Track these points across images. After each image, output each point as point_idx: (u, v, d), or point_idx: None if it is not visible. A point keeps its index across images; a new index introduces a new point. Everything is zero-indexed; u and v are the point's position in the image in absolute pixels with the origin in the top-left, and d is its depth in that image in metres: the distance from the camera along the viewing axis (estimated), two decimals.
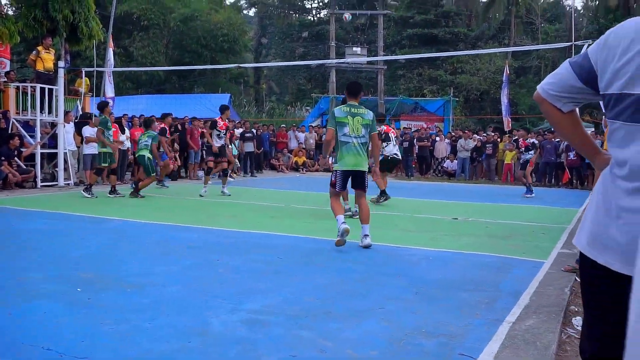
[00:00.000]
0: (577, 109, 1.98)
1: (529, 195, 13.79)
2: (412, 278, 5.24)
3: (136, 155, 12.54)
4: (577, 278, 5.24)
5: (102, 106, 12.27)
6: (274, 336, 3.61)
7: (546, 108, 1.93)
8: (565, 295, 4.74)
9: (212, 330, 3.71)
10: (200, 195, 12.04)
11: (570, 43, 11.73)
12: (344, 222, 6.27)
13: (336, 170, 6.58)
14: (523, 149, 15.28)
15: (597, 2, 37.09)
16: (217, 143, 12.23)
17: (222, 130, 12.28)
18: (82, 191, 11.62)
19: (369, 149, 6.92)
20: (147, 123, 13.19)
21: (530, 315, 4.18)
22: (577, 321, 4.19)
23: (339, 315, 4.08)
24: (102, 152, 11.79)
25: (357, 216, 9.09)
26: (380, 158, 10.54)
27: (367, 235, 6.45)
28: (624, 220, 1.70)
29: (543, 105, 1.94)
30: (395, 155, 12.20)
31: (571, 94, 1.87)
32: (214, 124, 12.65)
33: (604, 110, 1.89)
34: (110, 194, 11.81)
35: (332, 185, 6.64)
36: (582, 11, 41.10)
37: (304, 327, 3.80)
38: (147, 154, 12.10)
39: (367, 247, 6.43)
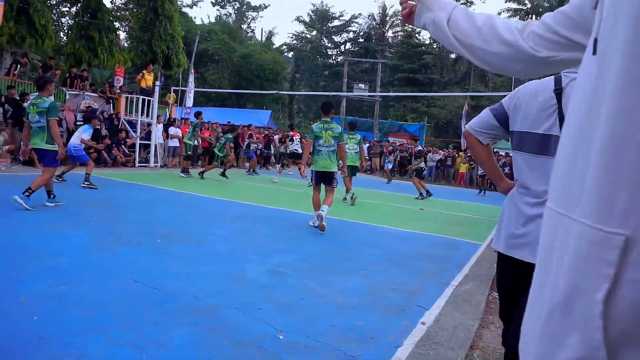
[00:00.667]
0: (491, 145, 1.99)
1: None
2: (387, 249, 5.22)
3: (216, 150, 12.28)
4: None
5: (198, 114, 12.69)
6: (288, 283, 3.61)
7: (471, 140, 1.93)
8: (494, 268, 4.68)
9: (246, 276, 3.71)
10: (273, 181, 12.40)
11: (512, 92, 11.55)
12: (318, 212, 5.78)
13: (312, 171, 6.21)
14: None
15: None
16: (291, 147, 12.99)
17: (295, 138, 12.83)
18: (180, 173, 11.85)
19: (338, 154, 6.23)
20: (232, 129, 13.05)
21: (469, 281, 4.15)
22: None
23: (334, 271, 4.08)
24: (187, 144, 12.04)
25: (352, 203, 9.08)
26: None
27: (323, 212, 5.74)
28: (530, 225, 1.72)
29: (469, 138, 1.94)
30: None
31: (489, 130, 1.89)
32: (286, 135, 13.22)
33: (511, 144, 1.89)
34: (182, 173, 11.80)
35: (311, 180, 6.33)
36: None
37: (309, 278, 3.80)
38: (217, 150, 11.98)
39: (319, 218, 5.70)
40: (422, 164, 12.08)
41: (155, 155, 14.10)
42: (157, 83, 14.62)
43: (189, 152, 12.58)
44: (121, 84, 16.38)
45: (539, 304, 0.53)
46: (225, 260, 4.14)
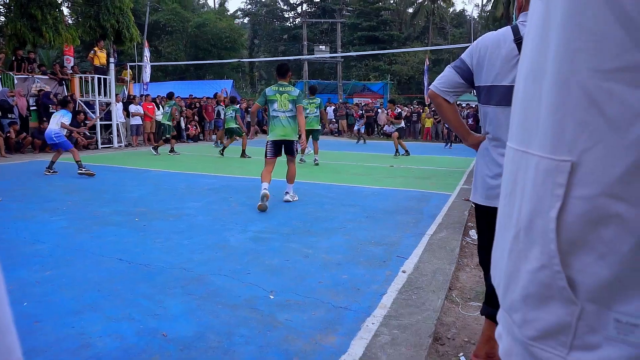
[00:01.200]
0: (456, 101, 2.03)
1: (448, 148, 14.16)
2: (363, 207, 5.37)
3: (226, 126, 11.42)
4: (472, 204, 5.44)
5: (171, 95, 11.92)
6: (273, 248, 3.72)
7: (438, 101, 1.93)
8: (465, 217, 4.93)
9: (230, 245, 3.79)
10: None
11: (469, 44, 11.72)
12: (265, 189, 5.05)
13: (267, 141, 5.47)
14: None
15: (488, 13, 36.85)
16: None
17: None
18: (151, 149, 11.66)
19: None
20: (232, 100, 12.31)
21: (442, 229, 4.36)
22: (472, 233, 4.39)
23: (316, 232, 4.20)
24: (166, 125, 11.45)
25: (316, 162, 9.25)
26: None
27: (288, 193, 5.55)
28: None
29: (436, 99, 1.93)
30: None
31: (455, 88, 1.90)
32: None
33: (477, 98, 1.93)
34: (170, 152, 11.40)
35: (265, 155, 5.51)
36: (477, 19, 40.74)
37: (292, 241, 3.92)
38: (233, 124, 11.08)
39: (287, 201, 5.46)
40: (402, 124, 12.43)
41: (119, 135, 13.70)
42: (111, 60, 14.01)
43: (167, 135, 11.51)
44: (72, 63, 15.59)
45: (507, 230, 0.62)
46: (206, 231, 4.19)
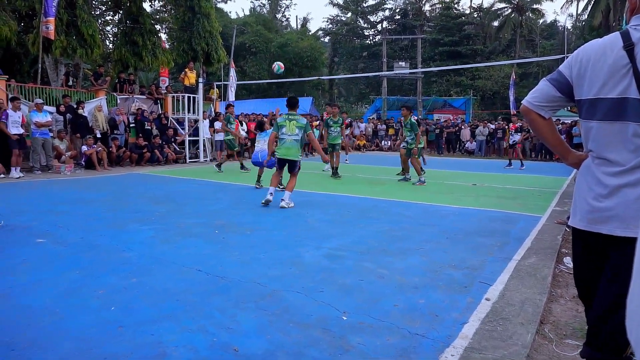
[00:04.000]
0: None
1: (520, 168, 13.04)
2: (443, 227, 5.11)
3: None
4: (567, 228, 4.96)
5: (227, 106, 11.93)
6: (347, 266, 3.63)
7: (532, 117, 1.76)
8: (558, 241, 4.50)
9: (304, 261, 3.77)
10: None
11: (563, 55, 10.92)
12: (270, 194, 6.28)
13: (275, 157, 6.59)
14: (512, 131, 13.74)
15: (584, 23, 34.30)
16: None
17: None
18: (214, 166, 11.81)
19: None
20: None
21: (532, 255, 4.00)
22: (567, 260, 3.97)
23: (391, 252, 4.05)
24: (227, 140, 11.66)
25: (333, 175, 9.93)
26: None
27: (283, 200, 6.19)
28: (615, 196, 1.59)
29: (530, 115, 1.76)
30: None
31: (551, 102, 1.73)
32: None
33: (578, 113, 1.72)
34: (217, 166, 11.26)
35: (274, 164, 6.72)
36: (571, 30, 38.02)
37: (367, 260, 3.80)
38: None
39: (282, 207, 6.09)
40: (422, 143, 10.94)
41: (205, 150, 14.51)
42: (200, 80, 14.97)
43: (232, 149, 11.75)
44: (167, 84, 16.91)
45: None
46: (281, 246, 4.21)
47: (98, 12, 20.74)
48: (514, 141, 13.68)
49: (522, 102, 1.82)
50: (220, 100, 18.55)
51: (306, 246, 4.22)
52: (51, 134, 10.59)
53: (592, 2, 32.10)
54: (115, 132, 12.43)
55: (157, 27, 19.81)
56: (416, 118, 15.14)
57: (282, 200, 6.18)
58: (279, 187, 7.97)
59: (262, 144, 8.23)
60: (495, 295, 3.01)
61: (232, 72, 17.18)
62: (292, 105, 6.61)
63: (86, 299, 2.88)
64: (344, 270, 3.52)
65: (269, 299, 2.90)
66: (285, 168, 6.55)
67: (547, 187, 8.83)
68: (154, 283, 3.18)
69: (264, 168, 8.25)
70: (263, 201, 6.23)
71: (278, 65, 12.84)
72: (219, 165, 11.28)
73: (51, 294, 2.95)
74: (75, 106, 11.64)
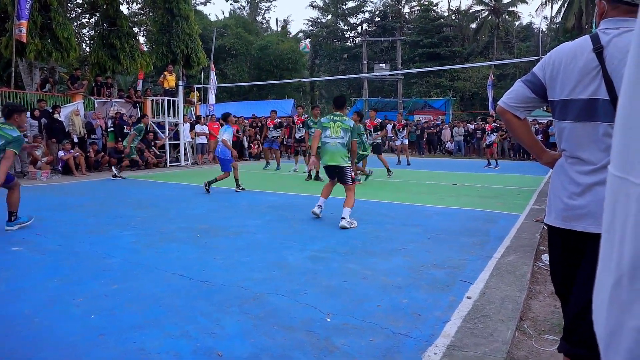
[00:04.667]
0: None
1: (494, 167, 13.23)
2: (425, 227, 5.18)
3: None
4: (544, 226, 5.08)
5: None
6: (331, 268, 3.65)
7: (508, 117, 1.81)
8: (536, 239, 4.60)
9: (288, 263, 3.77)
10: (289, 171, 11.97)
11: (539, 57, 11.18)
12: (319, 206, 5.61)
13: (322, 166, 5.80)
14: (488, 131, 13.93)
15: (558, 25, 35.17)
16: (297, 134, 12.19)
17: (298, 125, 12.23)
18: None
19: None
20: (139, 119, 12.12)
21: (511, 253, 4.09)
22: (545, 257, 4.07)
23: (375, 253, 4.09)
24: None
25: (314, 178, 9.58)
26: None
27: (344, 218, 5.17)
28: (588, 194, 1.64)
29: (505, 115, 1.81)
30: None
31: (526, 103, 1.78)
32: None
33: (552, 114, 1.78)
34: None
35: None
36: (546, 32, 38.88)
37: (351, 261, 3.83)
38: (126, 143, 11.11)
39: (343, 227, 5.09)
40: (379, 139, 11.14)
41: (185, 154, 14.38)
42: (180, 83, 14.84)
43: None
44: (140, 86, 16.68)
45: (607, 274, 0.52)
46: (265, 249, 4.21)
47: (74, 15, 20.37)
48: (490, 141, 13.91)
49: (498, 102, 1.87)
50: (201, 103, 18.39)
51: (290, 248, 4.22)
52: (26, 140, 10.35)
53: (566, 5, 32.96)
54: (92, 136, 12.22)
55: (135, 29, 19.56)
56: (388, 121, 15.11)
57: (343, 218, 5.15)
58: (239, 188, 8.08)
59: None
60: (477, 293, 3.07)
61: (213, 75, 17.07)
62: (339, 105, 5.84)
63: (67, 307, 2.83)
64: (328, 271, 3.54)
65: (253, 303, 2.90)
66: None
67: (525, 186, 9.01)
68: (137, 289, 3.15)
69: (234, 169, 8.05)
70: (314, 214, 5.59)
71: (305, 44, 13.19)
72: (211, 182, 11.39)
73: (30, 303, 2.89)
74: (50, 110, 11.40)
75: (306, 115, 13.55)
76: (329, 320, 2.65)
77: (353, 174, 5.74)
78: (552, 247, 1.86)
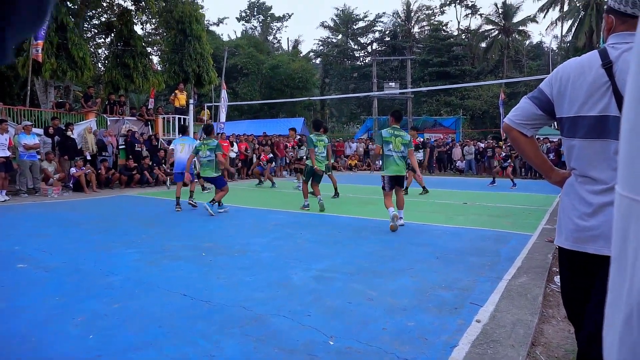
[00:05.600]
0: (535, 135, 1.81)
1: (511, 187, 13.14)
2: (434, 247, 5.07)
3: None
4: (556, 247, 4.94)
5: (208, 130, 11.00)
6: (335, 288, 3.56)
7: (514, 135, 1.75)
8: (549, 260, 4.47)
9: (292, 283, 3.70)
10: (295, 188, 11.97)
11: (550, 75, 11.09)
12: (396, 217, 5.99)
13: (384, 177, 6.19)
14: (501, 157, 14.42)
15: (569, 44, 35.14)
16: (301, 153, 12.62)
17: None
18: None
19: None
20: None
21: (522, 274, 3.96)
22: (558, 279, 3.93)
23: (381, 273, 3.99)
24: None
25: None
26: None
27: (401, 218, 6.26)
28: (600, 214, 1.56)
29: (511, 133, 1.75)
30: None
31: (533, 120, 1.72)
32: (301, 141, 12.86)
33: (560, 131, 1.71)
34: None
35: (383, 188, 6.22)
36: (557, 50, 38.86)
37: (356, 281, 3.74)
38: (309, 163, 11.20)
39: (401, 225, 6.19)
40: (421, 156, 11.65)
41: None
42: (191, 101, 15.01)
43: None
44: (152, 105, 16.91)
45: (617, 308, 0.46)
46: (269, 268, 4.14)
47: (90, 35, 20.86)
48: (505, 165, 14.06)
49: (504, 120, 1.82)
50: (212, 121, 18.56)
51: (295, 268, 4.15)
52: (39, 157, 10.48)
53: (576, 24, 32.97)
54: (103, 153, 12.35)
55: (149, 49, 19.93)
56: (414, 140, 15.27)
57: (400, 218, 6.16)
58: (193, 201, 8.29)
59: (178, 151, 8.35)
60: (486, 316, 2.96)
61: (224, 94, 17.24)
62: (398, 118, 6.38)
63: (66, 326, 2.78)
64: (332, 292, 3.45)
65: (255, 324, 2.82)
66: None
67: (537, 205, 8.85)
68: (137, 308, 3.09)
69: (192, 182, 8.43)
70: (392, 224, 5.90)
71: None
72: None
73: (28, 322, 2.85)
74: (64, 128, 11.56)
75: (299, 136, 14.00)
76: (332, 343, 2.55)
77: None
78: (563, 269, 1.77)
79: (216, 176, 7.80)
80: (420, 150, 11.54)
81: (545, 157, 1.86)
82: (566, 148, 1.69)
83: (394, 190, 6.27)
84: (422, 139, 12.31)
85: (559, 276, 3.94)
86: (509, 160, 14.03)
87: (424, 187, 10.91)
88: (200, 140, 8.57)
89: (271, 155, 15.00)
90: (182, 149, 8.45)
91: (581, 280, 1.66)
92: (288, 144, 13.66)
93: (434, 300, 3.27)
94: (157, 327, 2.76)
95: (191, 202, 8.23)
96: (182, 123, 13.08)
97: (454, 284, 3.66)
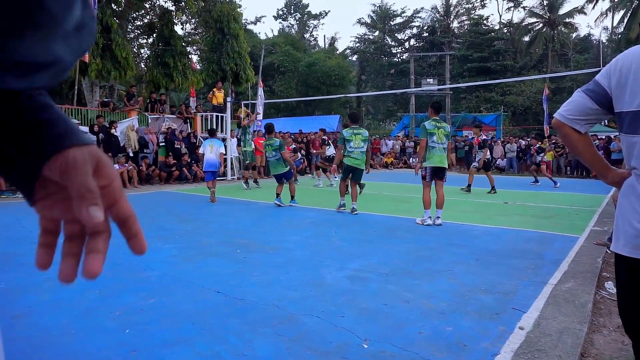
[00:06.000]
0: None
1: (554, 186, 12.60)
2: (473, 248, 4.88)
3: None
4: (607, 250, 4.65)
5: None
6: (370, 289, 3.47)
7: (566, 131, 1.60)
8: (598, 264, 4.20)
9: (326, 282, 3.63)
10: (330, 185, 12.02)
11: (599, 68, 10.52)
12: (429, 215, 6.22)
13: (426, 167, 6.25)
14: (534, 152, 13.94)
15: (620, 36, 33.31)
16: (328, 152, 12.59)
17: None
18: (242, 183, 12.09)
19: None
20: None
21: (569, 279, 3.74)
22: (609, 285, 3.69)
23: (417, 274, 3.87)
24: (247, 151, 12.37)
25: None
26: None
27: (439, 217, 6.24)
28: None
29: (563, 129, 1.60)
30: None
31: (587, 115, 1.56)
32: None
33: (619, 127, 1.56)
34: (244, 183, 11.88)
35: (423, 177, 6.31)
36: (607, 43, 36.90)
37: (391, 282, 3.63)
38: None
39: (439, 225, 6.17)
40: (488, 155, 11.38)
41: (232, 169, 14.63)
42: (228, 99, 15.19)
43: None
44: (193, 103, 17.25)
45: None
46: (303, 267, 4.10)
47: (133, 36, 21.52)
48: (538, 161, 13.48)
49: (554, 115, 1.67)
50: (250, 119, 18.76)
51: (329, 267, 4.08)
52: None
53: (629, 14, 31.20)
54: (145, 150, 12.71)
55: (188, 49, 20.36)
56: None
57: (438, 218, 6.24)
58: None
59: (208, 152, 8.88)
60: (530, 323, 2.79)
61: (260, 91, 17.36)
62: (437, 109, 6.51)
63: (103, 320, 2.83)
64: (366, 293, 3.36)
65: (287, 324, 2.78)
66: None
67: (584, 206, 8.41)
68: (172, 304, 3.11)
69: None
70: (422, 222, 6.26)
71: None
72: (255, 181, 12.16)
73: (69, 314, 2.92)
74: (108, 126, 11.97)
75: (324, 137, 14.09)
76: (366, 346, 2.47)
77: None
78: (621, 278, 1.61)
79: (287, 170, 8.22)
80: (480, 151, 11.29)
81: (600, 155, 1.70)
82: (626, 145, 1.53)
83: (433, 183, 6.28)
84: (484, 137, 12.04)
85: (610, 282, 3.71)
86: (542, 154, 13.38)
87: (492, 187, 10.79)
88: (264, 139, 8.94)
89: (294, 146, 15.06)
90: (211, 150, 8.91)
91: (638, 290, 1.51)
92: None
93: (473, 305, 3.12)
94: (190, 324, 2.77)
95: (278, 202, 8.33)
96: (209, 127, 13.26)
97: (494, 287, 3.50)
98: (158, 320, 2.83)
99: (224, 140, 14.69)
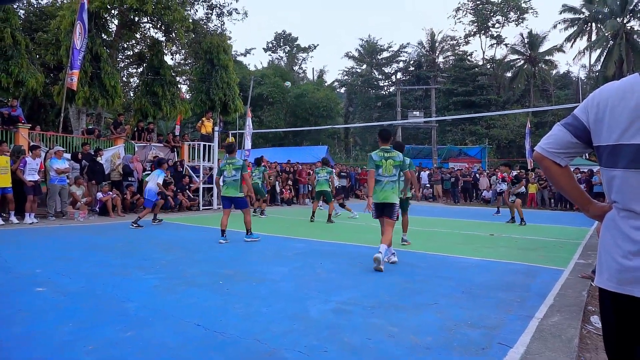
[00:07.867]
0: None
1: (497, 215, 13.09)
2: (459, 280, 4.85)
3: (317, 189, 11.30)
4: (592, 283, 4.66)
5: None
6: (355, 322, 3.40)
7: (547, 164, 1.61)
8: (584, 297, 4.20)
9: (310, 316, 3.56)
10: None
11: (578, 104, 10.85)
12: (379, 250, 5.30)
13: (373, 203, 5.61)
14: (499, 180, 14.19)
15: (598, 73, 34.59)
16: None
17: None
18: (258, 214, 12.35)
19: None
20: (324, 161, 11.86)
21: (555, 313, 3.72)
22: (595, 319, 3.67)
23: (404, 307, 3.81)
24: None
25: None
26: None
27: (380, 254, 5.23)
28: None
29: (543, 162, 1.62)
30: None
31: (567, 149, 1.59)
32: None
33: (599, 161, 1.58)
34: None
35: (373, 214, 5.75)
36: (585, 80, 38.21)
37: (377, 316, 3.57)
38: (326, 186, 11.05)
39: (393, 262, 5.58)
40: (523, 188, 11.66)
41: (218, 198, 14.53)
42: (217, 128, 15.25)
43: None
44: (178, 132, 17.27)
45: None
46: (287, 299, 4.01)
47: (122, 65, 21.67)
48: (501, 190, 13.72)
49: (535, 148, 1.69)
50: (237, 149, 18.82)
51: (313, 299, 4.01)
52: (67, 181, 10.74)
53: (605, 53, 32.50)
54: (129, 179, 12.58)
55: (178, 78, 20.53)
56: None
57: (378, 252, 5.27)
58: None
59: (150, 183, 9.64)
60: (516, 359, 2.75)
61: (249, 121, 17.50)
62: (386, 138, 5.71)
63: (77, 355, 2.71)
64: (351, 327, 3.29)
65: (268, 359, 2.69)
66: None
67: (569, 238, 8.48)
68: (150, 337, 3.00)
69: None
70: (376, 267, 5.21)
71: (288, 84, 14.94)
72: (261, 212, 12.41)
73: (42, 348, 2.80)
74: (93, 153, 11.87)
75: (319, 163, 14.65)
76: None
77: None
78: (606, 313, 1.59)
79: (240, 197, 7.48)
80: (516, 185, 11.57)
81: (581, 188, 1.72)
82: (606, 179, 1.55)
83: (381, 220, 5.64)
84: (515, 173, 12.46)
85: (596, 316, 3.69)
86: (505, 184, 13.39)
87: (522, 219, 10.83)
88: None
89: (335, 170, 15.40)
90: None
91: (627, 326, 1.49)
92: (310, 172, 13.84)
93: (459, 339, 3.07)
94: (168, 358, 2.67)
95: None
96: (205, 150, 13.49)
97: (480, 321, 3.45)
98: (133, 355, 2.72)
99: (210, 169, 14.68)
